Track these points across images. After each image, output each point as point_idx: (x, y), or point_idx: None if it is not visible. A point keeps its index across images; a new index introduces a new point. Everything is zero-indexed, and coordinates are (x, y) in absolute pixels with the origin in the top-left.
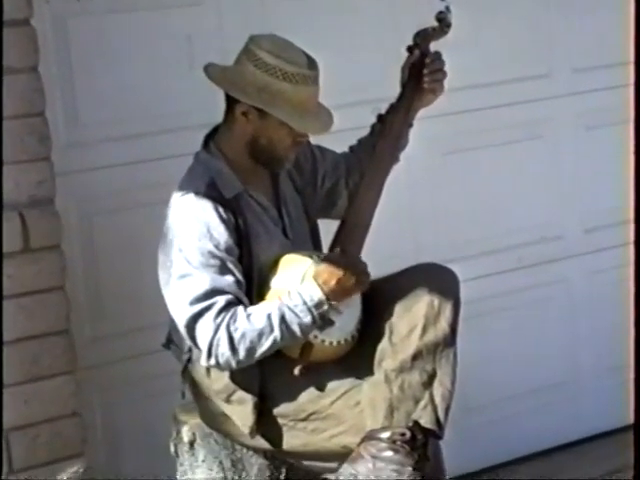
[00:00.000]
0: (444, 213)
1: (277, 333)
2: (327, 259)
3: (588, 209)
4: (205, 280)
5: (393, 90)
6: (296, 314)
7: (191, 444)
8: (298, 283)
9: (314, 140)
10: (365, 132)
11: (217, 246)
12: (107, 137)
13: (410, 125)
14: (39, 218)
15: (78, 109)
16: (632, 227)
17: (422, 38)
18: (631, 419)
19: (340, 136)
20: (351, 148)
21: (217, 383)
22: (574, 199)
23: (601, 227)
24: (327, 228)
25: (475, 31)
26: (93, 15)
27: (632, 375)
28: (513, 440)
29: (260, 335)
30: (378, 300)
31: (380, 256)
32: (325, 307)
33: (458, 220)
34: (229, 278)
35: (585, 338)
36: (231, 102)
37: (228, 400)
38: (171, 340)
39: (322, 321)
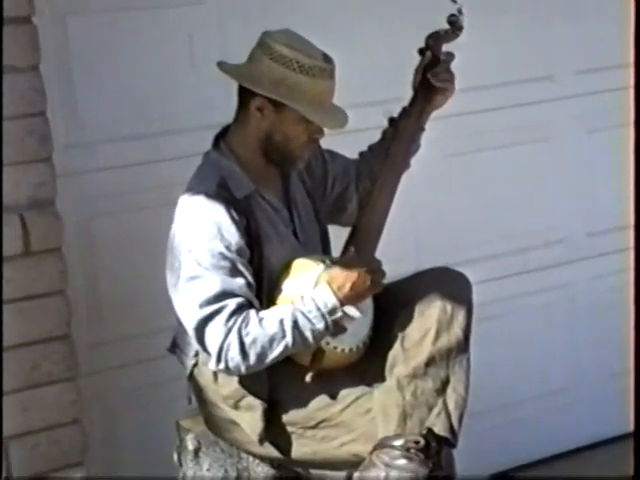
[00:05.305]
0: (446, 216)
1: (289, 339)
2: (341, 262)
3: (591, 213)
4: (216, 282)
5: (403, 91)
6: (309, 320)
7: (196, 452)
8: (310, 288)
9: (324, 144)
10: (374, 133)
11: (228, 247)
12: (108, 138)
13: (422, 129)
14: (40, 220)
15: (78, 109)
16: (632, 232)
17: (434, 40)
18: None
19: (350, 137)
20: (361, 154)
21: (225, 388)
22: (577, 202)
23: (604, 231)
24: (337, 234)
25: (478, 33)
26: (94, 13)
27: (632, 382)
28: (514, 447)
29: (272, 340)
30: (389, 305)
31: (382, 260)
32: (339, 314)
33: (460, 223)
34: (240, 280)
35: (588, 343)
36: (245, 98)
37: (236, 406)
38: (176, 344)
39: (335, 327)
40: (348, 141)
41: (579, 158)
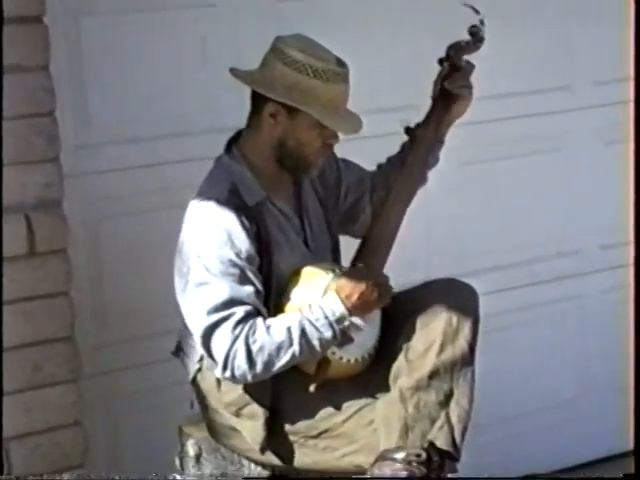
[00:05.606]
0: (459, 225)
1: (296, 347)
2: (349, 273)
3: (605, 225)
4: (224, 289)
5: (418, 98)
6: (317, 328)
7: (197, 458)
8: (319, 297)
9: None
10: (387, 140)
11: (238, 254)
12: (117, 139)
13: (441, 142)
14: (45, 221)
15: (88, 110)
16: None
17: (455, 51)
18: None
19: (363, 143)
20: (379, 166)
21: (228, 395)
22: (591, 214)
23: (617, 244)
24: (348, 244)
25: (495, 42)
26: (106, 14)
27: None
28: (521, 460)
29: (279, 349)
30: (395, 315)
31: (392, 268)
32: (347, 322)
33: (473, 232)
34: (249, 288)
35: (598, 356)
36: (258, 104)
37: (238, 414)
38: (181, 348)
39: (342, 337)
40: (361, 147)
41: (595, 169)
